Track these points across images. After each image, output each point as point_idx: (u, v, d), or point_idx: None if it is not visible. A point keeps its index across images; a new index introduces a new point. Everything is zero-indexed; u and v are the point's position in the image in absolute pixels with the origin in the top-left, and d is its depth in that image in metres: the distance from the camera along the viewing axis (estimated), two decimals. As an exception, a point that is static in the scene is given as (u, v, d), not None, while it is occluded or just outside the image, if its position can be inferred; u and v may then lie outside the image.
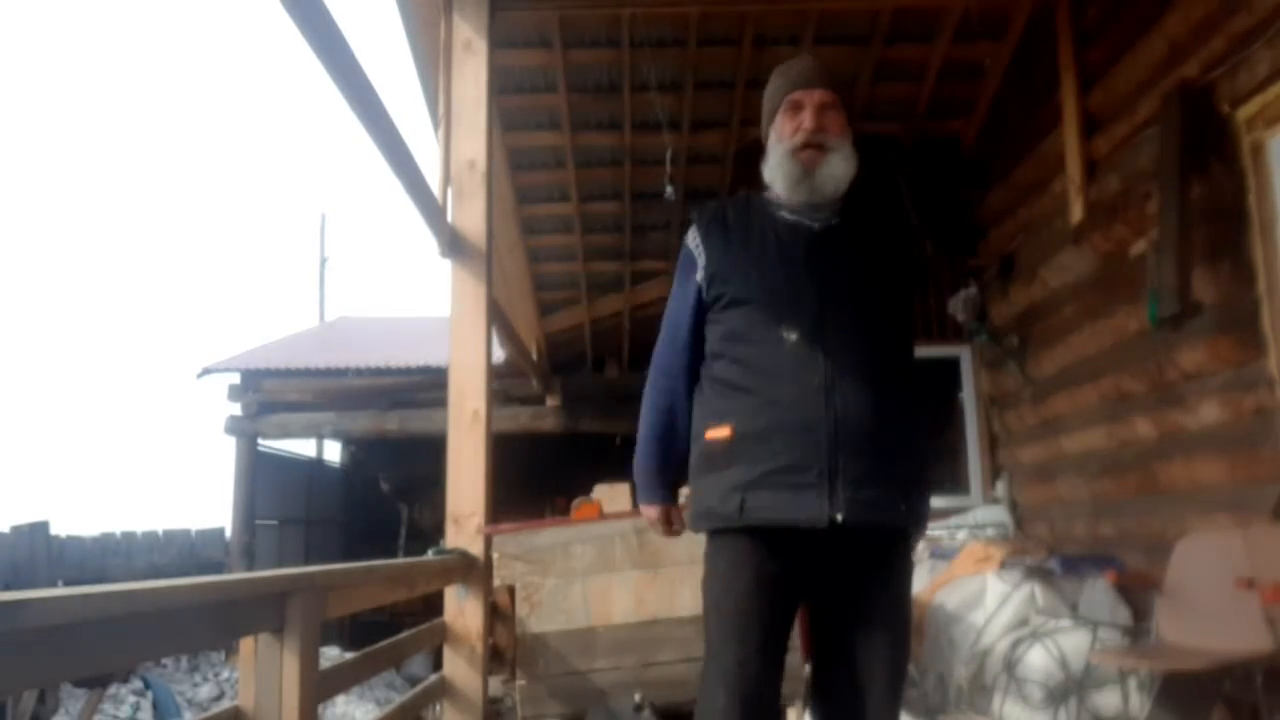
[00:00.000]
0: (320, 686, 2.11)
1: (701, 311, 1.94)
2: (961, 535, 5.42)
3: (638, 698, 3.40)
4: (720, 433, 1.83)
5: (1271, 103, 3.38)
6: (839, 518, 1.73)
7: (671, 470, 2.00)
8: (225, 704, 4.75)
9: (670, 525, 2.04)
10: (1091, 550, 4.61)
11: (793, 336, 1.80)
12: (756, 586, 1.80)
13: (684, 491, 1.95)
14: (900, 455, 1.83)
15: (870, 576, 1.83)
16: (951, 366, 6.28)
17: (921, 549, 5.29)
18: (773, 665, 1.82)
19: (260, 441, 10.60)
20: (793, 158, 1.88)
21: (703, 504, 1.87)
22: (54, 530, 10.03)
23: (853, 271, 1.89)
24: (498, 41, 4.19)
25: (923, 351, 2.16)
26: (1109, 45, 4.45)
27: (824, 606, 1.89)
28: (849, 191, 1.94)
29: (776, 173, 1.92)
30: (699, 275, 1.94)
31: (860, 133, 2.03)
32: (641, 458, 2.02)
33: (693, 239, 1.99)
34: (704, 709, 1.81)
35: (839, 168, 1.90)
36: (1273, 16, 3.27)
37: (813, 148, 1.88)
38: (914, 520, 1.86)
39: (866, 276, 1.91)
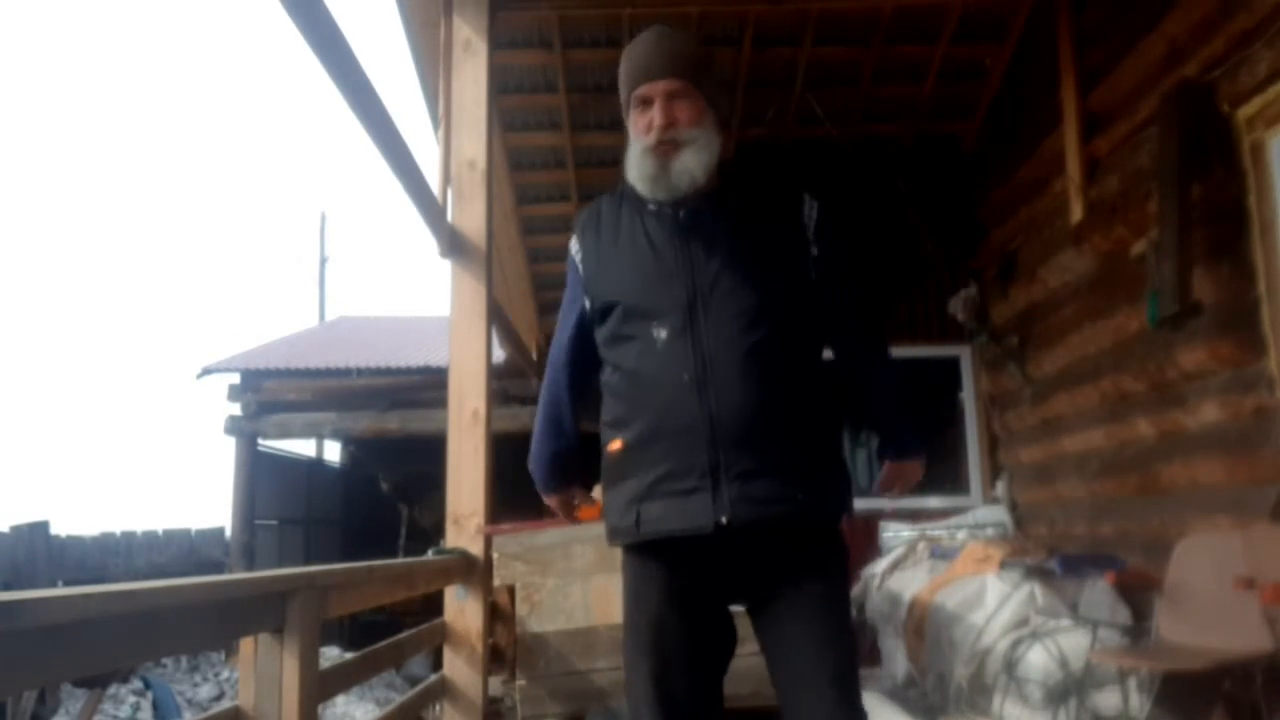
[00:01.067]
0: (320, 686, 2.12)
1: (584, 318, 1.90)
2: (961, 535, 5.42)
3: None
4: (614, 445, 1.79)
5: (1271, 103, 3.38)
6: (723, 520, 1.65)
7: (561, 460, 1.98)
8: (225, 704, 4.75)
9: (571, 508, 2.03)
10: (1091, 550, 4.61)
11: (663, 334, 1.73)
12: (667, 598, 1.74)
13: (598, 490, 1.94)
14: (794, 442, 1.72)
15: (787, 575, 1.73)
16: (951, 366, 6.28)
17: (921, 549, 5.29)
18: (700, 679, 1.76)
19: (260, 441, 10.61)
20: (647, 156, 1.79)
21: (609, 520, 1.82)
22: (54, 530, 10.05)
23: (728, 255, 1.77)
24: (498, 41, 4.19)
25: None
26: (1109, 45, 4.45)
27: (753, 610, 1.79)
28: (727, 172, 1.86)
29: (633, 171, 1.83)
30: (582, 280, 1.90)
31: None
32: (534, 450, 2.00)
33: (574, 245, 1.93)
34: None
35: (691, 160, 1.77)
36: (1273, 16, 3.27)
37: (666, 144, 1.78)
38: (818, 511, 1.74)
39: (748, 258, 1.78)
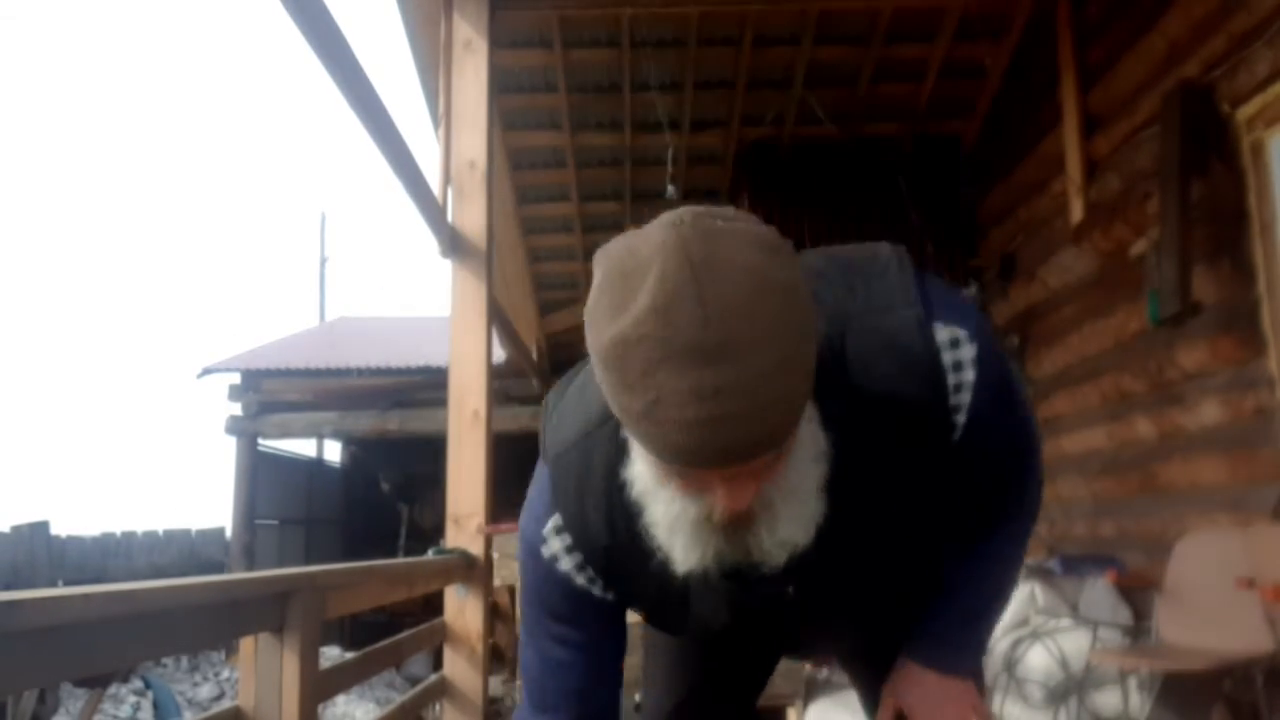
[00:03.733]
0: (320, 686, 2.11)
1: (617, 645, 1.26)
2: (961, 535, 5.42)
3: (638, 698, 3.39)
4: None
5: (1271, 103, 3.38)
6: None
7: None
8: (225, 704, 4.75)
9: None
10: (1091, 550, 4.61)
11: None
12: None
13: None
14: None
15: None
16: (951, 366, 6.27)
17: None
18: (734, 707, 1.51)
19: (260, 441, 10.61)
20: (705, 529, 0.98)
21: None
22: (54, 530, 10.04)
23: (862, 558, 1.13)
24: (498, 41, 4.18)
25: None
26: (1109, 45, 4.45)
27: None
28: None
29: (681, 547, 1.01)
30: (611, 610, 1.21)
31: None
32: None
33: (574, 568, 1.16)
34: None
35: (788, 525, 0.98)
36: (1273, 16, 3.27)
37: (740, 517, 0.97)
38: None
39: (895, 544, 1.14)
